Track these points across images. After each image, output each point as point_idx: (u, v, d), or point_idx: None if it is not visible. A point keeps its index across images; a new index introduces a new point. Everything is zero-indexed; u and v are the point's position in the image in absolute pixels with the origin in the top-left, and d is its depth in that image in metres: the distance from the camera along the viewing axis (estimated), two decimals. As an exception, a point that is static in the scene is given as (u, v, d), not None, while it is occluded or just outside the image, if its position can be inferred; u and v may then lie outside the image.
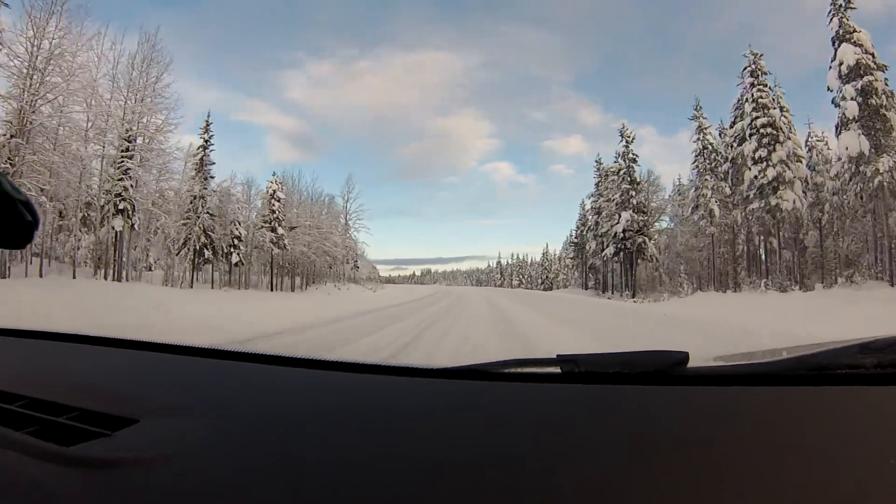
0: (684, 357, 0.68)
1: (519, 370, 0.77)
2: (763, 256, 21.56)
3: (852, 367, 0.64)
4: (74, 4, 15.52)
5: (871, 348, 0.65)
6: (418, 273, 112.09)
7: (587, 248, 38.46)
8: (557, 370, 0.74)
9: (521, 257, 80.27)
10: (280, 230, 28.22)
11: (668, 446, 0.54)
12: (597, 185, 35.13)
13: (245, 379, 0.89)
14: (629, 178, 28.07)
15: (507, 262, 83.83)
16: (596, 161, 35.60)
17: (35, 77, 13.75)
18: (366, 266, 58.20)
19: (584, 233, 42.53)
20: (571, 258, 44.89)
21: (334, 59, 66.90)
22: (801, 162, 20.30)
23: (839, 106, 16.84)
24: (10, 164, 12.76)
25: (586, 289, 42.23)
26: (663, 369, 0.69)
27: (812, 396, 0.62)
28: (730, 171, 21.98)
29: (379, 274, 72.89)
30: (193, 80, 65.63)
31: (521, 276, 76.94)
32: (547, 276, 63.46)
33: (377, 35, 73.94)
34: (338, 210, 39.60)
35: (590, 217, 36.65)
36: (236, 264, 24.74)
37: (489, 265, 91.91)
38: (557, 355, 0.74)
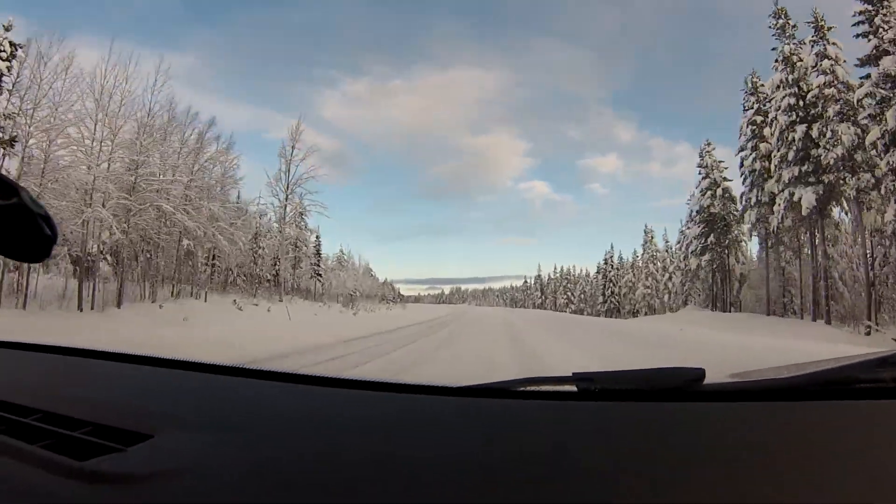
0: (701, 373, 0.67)
1: (536, 388, 0.78)
2: None
3: (871, 381, 0.64)
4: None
5: (890, 362, 0.64)
6: (447, 292, 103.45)
7: (751, 217, 18.72)
8: (574, 388, 0.73)
9: (565, 269, 59.96)
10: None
11: (687, 461, 0.54)
12: (785, 60, 15.53)
13: (261, 396, 0.87)
14: None
15: (549, 277, 62.84)
16: (774, 14, 16.16)
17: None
18: (371, 283, 43.54)
19: (722, 199, 23.03)
20: (696, 253, 23.68)
21: (368, 78, 65.56)
22: None
23: None
24: None
25: (724, 309, 22.12)
26: (680, 386, 0.68)
27: (831, 410, 0.62)
28: None
29: (399, 292, 62.23)
30: (228, 98, 62.12)
31: (568, 294, 57.10)
32: (612, 293, 43.33)
33: (411, 53, 69.83)
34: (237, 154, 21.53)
35: (770, 141, 16.50)
36: None
37: (526, 282, 71.82)
38: (573, 373, 0.73)
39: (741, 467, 0.51)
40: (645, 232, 39.98)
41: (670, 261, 34.09)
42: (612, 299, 42.94)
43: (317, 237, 30.57)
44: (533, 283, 67.80)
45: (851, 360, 0.69)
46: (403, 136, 70.96)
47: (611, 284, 43.72)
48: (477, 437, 0.64)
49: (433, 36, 69.04)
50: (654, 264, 38.24)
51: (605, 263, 45.14)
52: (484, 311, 40.97)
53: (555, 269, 63.42)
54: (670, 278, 32.90)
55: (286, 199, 24.96)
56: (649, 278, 37.90)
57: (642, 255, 40.39)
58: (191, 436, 0.68)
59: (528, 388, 0.76)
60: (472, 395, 0.76)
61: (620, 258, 43.98)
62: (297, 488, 0.54)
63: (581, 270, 56.71)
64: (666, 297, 34.11)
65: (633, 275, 40.60)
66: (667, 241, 37.76)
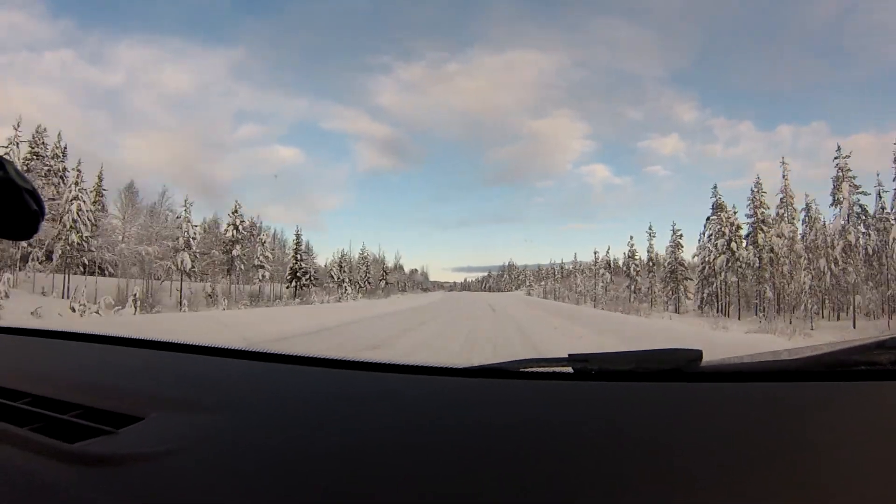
0: (699, 354, 0.68)
1: (534, 369, 0.78)
2: None
3: (869, 364, 0.65)
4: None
5: (888, 346, 0.65)
6: (493, 275, 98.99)
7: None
8: (570, 369, 0.74)
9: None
10: None
11: (686, 438, 0.54)
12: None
13: (252, 377, 0.88)
14: None
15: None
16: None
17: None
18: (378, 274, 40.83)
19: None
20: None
21: (423, 63, 62.90)
22: None
23: None
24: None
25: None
26: (677, 367, 0.68)
27: (829, 391, 0.62)
28: None
29: (428, 279, 66.39)
30: (285, 88, 63.91)
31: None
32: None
33: (466, 36, 65.41)
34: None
35: None
36: None
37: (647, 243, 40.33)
38: (569, 354, 0.73)
39: (740, 445, 0.51)
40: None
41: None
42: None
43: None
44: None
45: (849, 344, 0.69)
46: (461, 121, 68.31)
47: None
48: (476, 414, 0.64)
49: (488, 17, 65.59)
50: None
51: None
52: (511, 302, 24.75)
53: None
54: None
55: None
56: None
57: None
58: (182, 417, 0.68)
59: (526, 370, 0.77)
60: (472, 376, 0.78)
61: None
62: (289, 468, 0.54)
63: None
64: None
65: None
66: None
